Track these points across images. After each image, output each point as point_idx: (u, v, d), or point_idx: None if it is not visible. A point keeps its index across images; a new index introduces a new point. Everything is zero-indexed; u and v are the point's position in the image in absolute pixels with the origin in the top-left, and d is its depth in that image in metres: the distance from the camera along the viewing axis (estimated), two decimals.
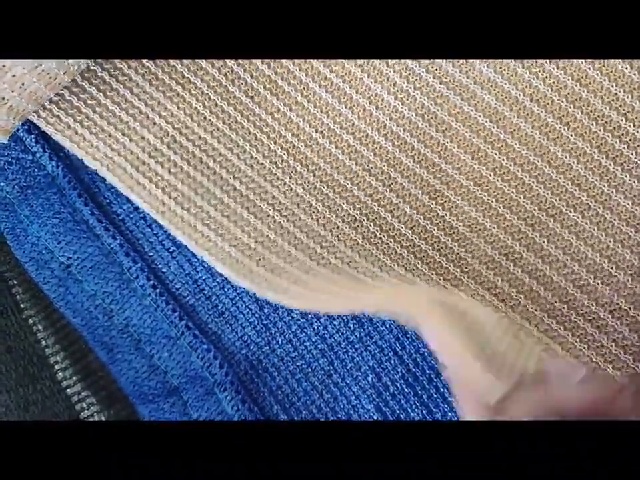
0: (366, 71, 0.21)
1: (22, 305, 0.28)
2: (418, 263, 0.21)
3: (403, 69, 0.21)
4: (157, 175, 0.21)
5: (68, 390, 0.26)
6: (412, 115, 0.21)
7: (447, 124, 0.21)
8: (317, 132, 0.22)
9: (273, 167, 0.22)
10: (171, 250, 0.23)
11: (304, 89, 0.22)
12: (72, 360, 0.27)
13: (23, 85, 0.20)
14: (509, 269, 0.20)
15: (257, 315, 0.22)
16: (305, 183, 0.22)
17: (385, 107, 0.21)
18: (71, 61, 0.20)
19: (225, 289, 0.22)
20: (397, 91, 0.21)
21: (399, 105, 0.21)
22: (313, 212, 0.21)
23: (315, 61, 0.22)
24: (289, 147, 0.22)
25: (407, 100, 0.21)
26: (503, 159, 0.20)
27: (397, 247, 0.21)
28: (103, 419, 0.26)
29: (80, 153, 0.22)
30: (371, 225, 0.21)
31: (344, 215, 0.21)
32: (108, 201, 0.23)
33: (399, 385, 0.20)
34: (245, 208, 0.21)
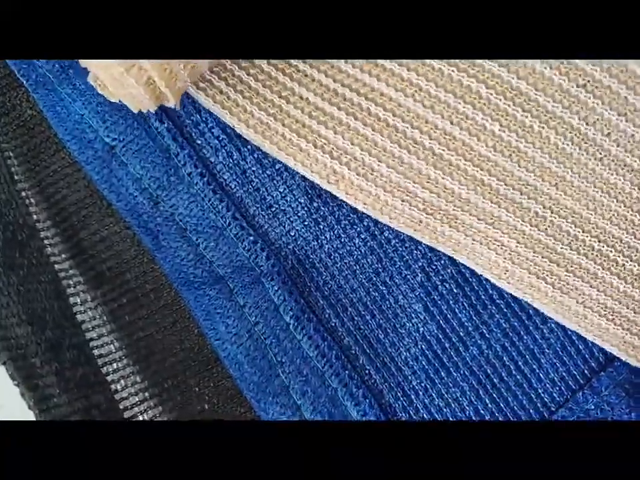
0: None
1: (16, 177, 0.26)
2: None
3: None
4: (321, 137, 0.21)
5: (56, 265, 0.25)
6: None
7: None
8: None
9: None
10: (220, 138, 0.22)
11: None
12: (62, 237, 0.25)
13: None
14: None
15: (306, 209, 0.22)
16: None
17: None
18: None
19: (275, 181, 0.22)
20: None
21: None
22: None
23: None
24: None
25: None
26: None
27: None
28: (89, 298, 0.24)
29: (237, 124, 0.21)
30: None
31: None
32: None
33: (448, 285, 0.21)
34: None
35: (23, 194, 0.26)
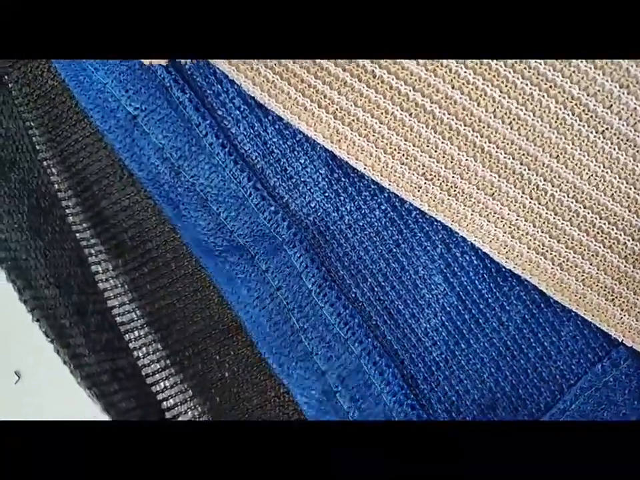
0: None
1: (37, 147, 0.26)
2: None
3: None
4: (326, 98, 0.21)
5: (77, 234, 0.25)
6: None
7: None
8: None
9: None
10: (241, 109, 0.22)
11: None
12: (83, 207, 0.26)
13: None
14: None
15: (327, 180, 0.22)
16: None
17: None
18: None
19: (296, 152, 0.22)
20: None
21: None
22: None
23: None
24: None
25: None
26: None
27: None
28: (110, 267, 0.25)
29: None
30: None
31: None
32: None
33: (468, 257, 0.21)
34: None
35: (45, 163, 0.26)
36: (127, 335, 0.23)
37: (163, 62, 0.22)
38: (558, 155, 0.20)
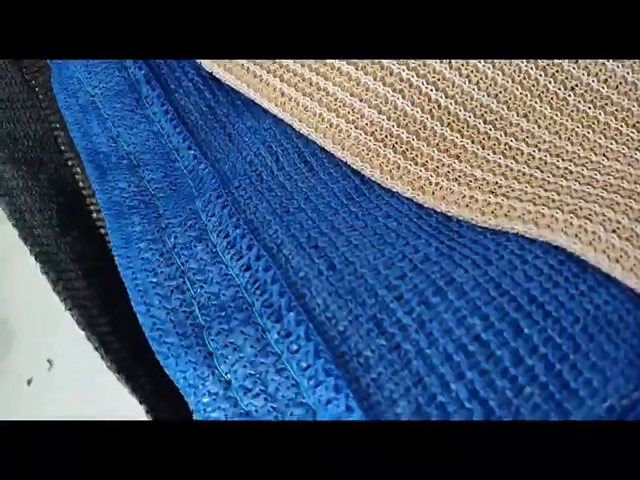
0: None
1: (62, 148, 0.28)
2: None
3: None
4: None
5: (101, 230, 0.26)
6: None
7: None
8: None
9: None
10: (194, 81, 0.23)
11: None
12: None
13: None
14: None
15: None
16: None
17: None
18: None
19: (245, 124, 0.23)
20: None
21: None
22: None
23: None
24: None
25: None
26: None
27: None
28: None
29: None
30: None
31: None
32: None
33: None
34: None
35: (70, 163, 0.27)
36: None
37: None
38: (507, 101, 0.20)
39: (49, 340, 0.34)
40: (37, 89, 0.28)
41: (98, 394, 0.29)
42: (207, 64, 0.24)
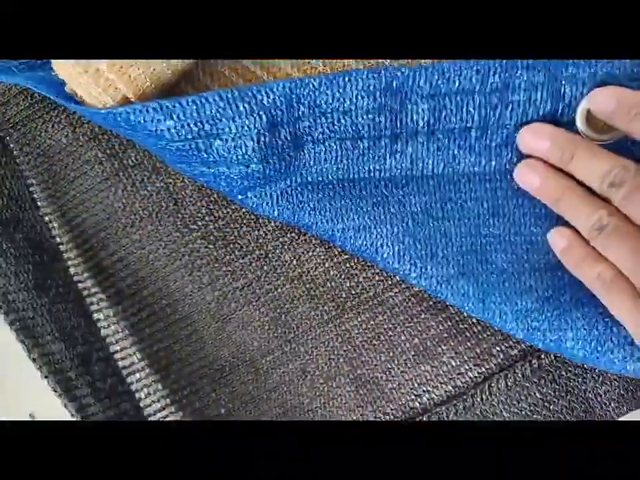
0: None
1: (38, 203, 0.28)
2: None
3: None
4: None
5: (79, 284, 0.27)
6: None
7: None
8: None
9: None
10: None
11: None
12: (84, 258, 0.27)
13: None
14: None
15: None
16: None
17: None
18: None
19: None
20: None
21: None
22: None
23: None
24: None
25: None
26: None
27: None
28: (111, 314, 0.26)
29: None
30: None
31: None
32: None
33: None
34: None
35: (46, 218, 0.28)
36: (128, 378, 0.24)
37: None
38: None
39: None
40: (10, 145, 0.28)
41: None
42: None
